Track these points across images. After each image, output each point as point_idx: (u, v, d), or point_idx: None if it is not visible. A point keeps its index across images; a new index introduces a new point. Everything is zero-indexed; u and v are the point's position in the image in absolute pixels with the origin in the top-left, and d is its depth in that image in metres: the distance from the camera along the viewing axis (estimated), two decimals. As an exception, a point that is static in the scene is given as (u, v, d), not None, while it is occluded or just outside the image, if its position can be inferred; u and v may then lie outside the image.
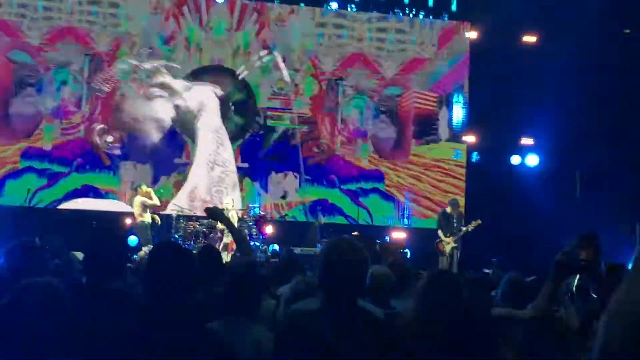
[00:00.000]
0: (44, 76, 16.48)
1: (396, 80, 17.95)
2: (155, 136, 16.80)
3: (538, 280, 5.70)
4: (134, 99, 16.74)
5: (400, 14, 18.03)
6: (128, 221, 15.17)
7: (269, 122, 17.46)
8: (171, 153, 16.95)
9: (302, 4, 17.76)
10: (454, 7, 17.88)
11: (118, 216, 15.72)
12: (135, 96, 16.75)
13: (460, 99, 18.15)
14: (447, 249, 14.95)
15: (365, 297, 4.19)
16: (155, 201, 15.14)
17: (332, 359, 3.08)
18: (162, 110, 16.87)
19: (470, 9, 17.66)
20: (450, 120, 18.12)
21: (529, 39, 17.44)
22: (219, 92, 17.12)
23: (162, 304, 3.30)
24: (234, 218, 14.62)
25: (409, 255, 15.93)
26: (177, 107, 16.94)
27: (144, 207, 14.85)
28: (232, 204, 15.31)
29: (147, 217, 14.90)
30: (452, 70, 18.16)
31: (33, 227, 12.46)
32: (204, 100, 17.09)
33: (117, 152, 16.72)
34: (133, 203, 15.13)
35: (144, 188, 15.14)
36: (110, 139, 16.65)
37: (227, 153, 17.15)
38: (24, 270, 3.85)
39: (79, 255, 11.07)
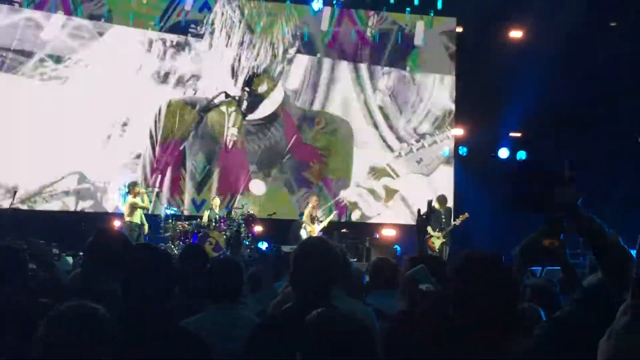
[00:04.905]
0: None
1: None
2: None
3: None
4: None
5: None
6: (117, 223, 15.12)
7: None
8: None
9: (288, 1, 17.86)
10: (439, 5, 17.89)
11: (107, 217, 15.72)
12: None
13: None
14: (437, 244, 14.97)
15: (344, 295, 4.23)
16: (146, 204, 15.09)
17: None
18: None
19: (456, 5, 17.68)
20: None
21: (515, 34, 17.51)
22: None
23: (138, 305, 3.31)
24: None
25: (399, 251, 15.93)
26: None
27: (134, 207, 14.81)
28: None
29: (136, 218, 14.83)
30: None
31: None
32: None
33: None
34: (125, 203, 15.12)
35: (138, 189, 15.08)
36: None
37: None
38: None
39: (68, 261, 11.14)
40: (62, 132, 16.40)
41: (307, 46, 18.16)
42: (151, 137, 17.36)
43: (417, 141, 18.46)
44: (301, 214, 16.32)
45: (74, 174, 16.66)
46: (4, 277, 3.84)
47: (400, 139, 18.46)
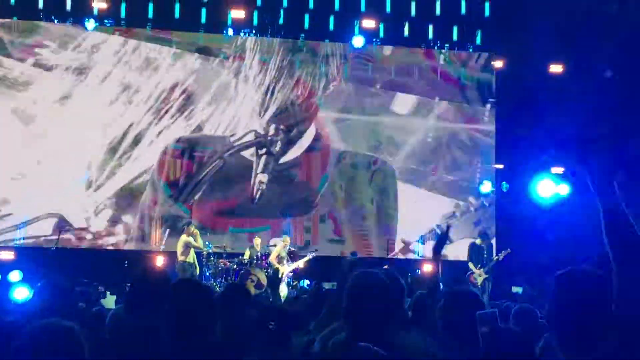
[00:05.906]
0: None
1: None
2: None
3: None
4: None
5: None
6: (159, 261, 15.15)
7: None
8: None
9: (327, 40, 17.75)
10: (478, 40, 17.90)
11: (149, 255, 15.81)
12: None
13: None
14: (479, 281, 14.85)
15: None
16: (200, 243, 14.99)
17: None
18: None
19: (495, 40, 17.68)
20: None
21: (556, 68, 17.40)
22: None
23: (183, 342, 3.33)
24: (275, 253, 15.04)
25: (441, 287, 15.70)
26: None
27: (187, 247, 14.80)
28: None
29: (190, 258, 14.80)
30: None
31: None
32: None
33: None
34: (178, 242, 15.06)
35: (192, 228, 15.03)
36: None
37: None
38: (51, 309, 3.92)
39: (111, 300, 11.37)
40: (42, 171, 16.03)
41: (346, 80, 17.31)
42: (152, 182, 16.24)
43: (477, 199, 17.57)
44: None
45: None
46: (53, 313, 3.90)
47: (453, 191, 17.44)
